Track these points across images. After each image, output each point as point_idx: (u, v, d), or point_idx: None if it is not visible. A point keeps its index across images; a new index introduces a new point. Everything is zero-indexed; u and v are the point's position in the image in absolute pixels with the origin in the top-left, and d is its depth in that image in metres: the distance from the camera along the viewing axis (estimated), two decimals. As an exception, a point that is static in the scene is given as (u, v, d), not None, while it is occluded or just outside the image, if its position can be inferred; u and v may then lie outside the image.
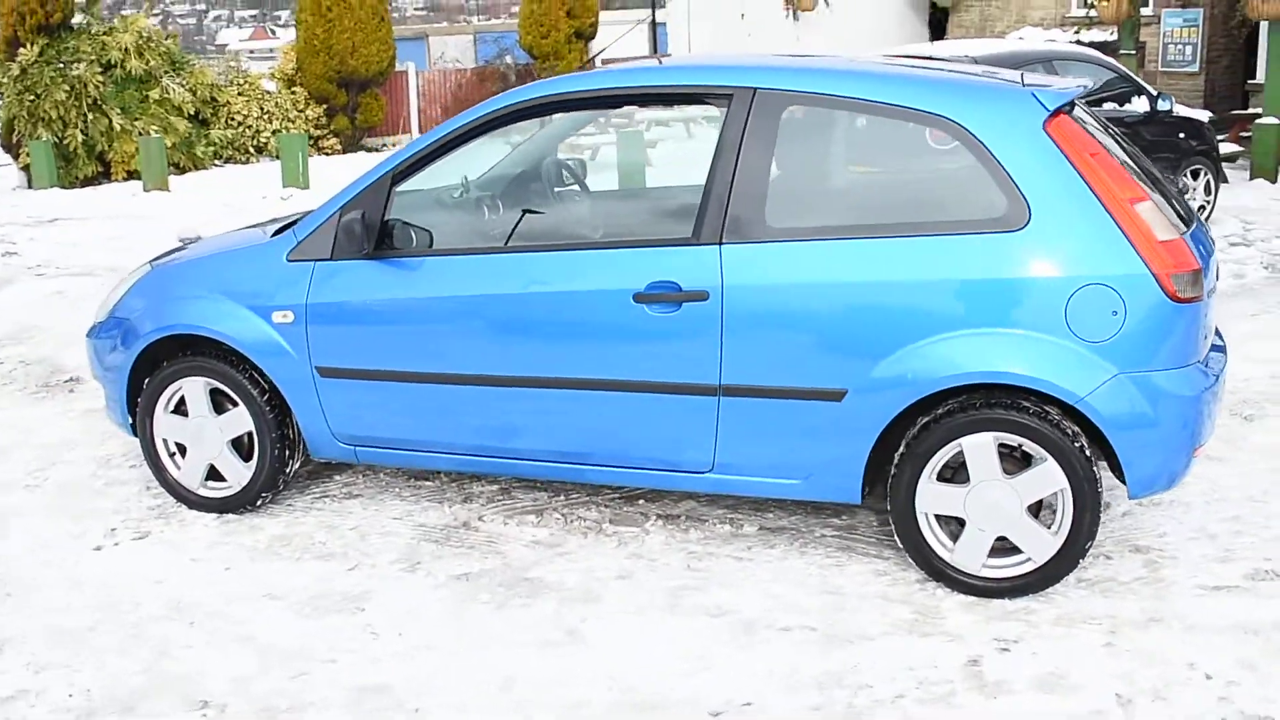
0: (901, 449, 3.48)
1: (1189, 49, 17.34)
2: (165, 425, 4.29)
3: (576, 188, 4.39)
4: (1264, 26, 13.34)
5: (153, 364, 4.28)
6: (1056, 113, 3.39)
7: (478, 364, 3.81)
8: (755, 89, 3.59)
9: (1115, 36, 14.65)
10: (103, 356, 4.40)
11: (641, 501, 4.26)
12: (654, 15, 22.95)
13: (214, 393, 4.20)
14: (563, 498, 4.32)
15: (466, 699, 3.10)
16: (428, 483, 4.53)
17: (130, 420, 4.37)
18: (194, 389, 4.20)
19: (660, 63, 4.16)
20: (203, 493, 4.31)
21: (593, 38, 19.70)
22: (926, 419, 3.44)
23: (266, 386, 4.13)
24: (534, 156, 4.43)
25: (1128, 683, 3.05)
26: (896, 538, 3.56)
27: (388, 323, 3.90)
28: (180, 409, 4.27)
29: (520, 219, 3.90)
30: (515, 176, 4.35)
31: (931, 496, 3.48)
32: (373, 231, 3.82)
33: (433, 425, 3.96)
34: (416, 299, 3.85)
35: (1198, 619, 3.35)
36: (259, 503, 4.27)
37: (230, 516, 4.27)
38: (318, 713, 3.06)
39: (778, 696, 3.05)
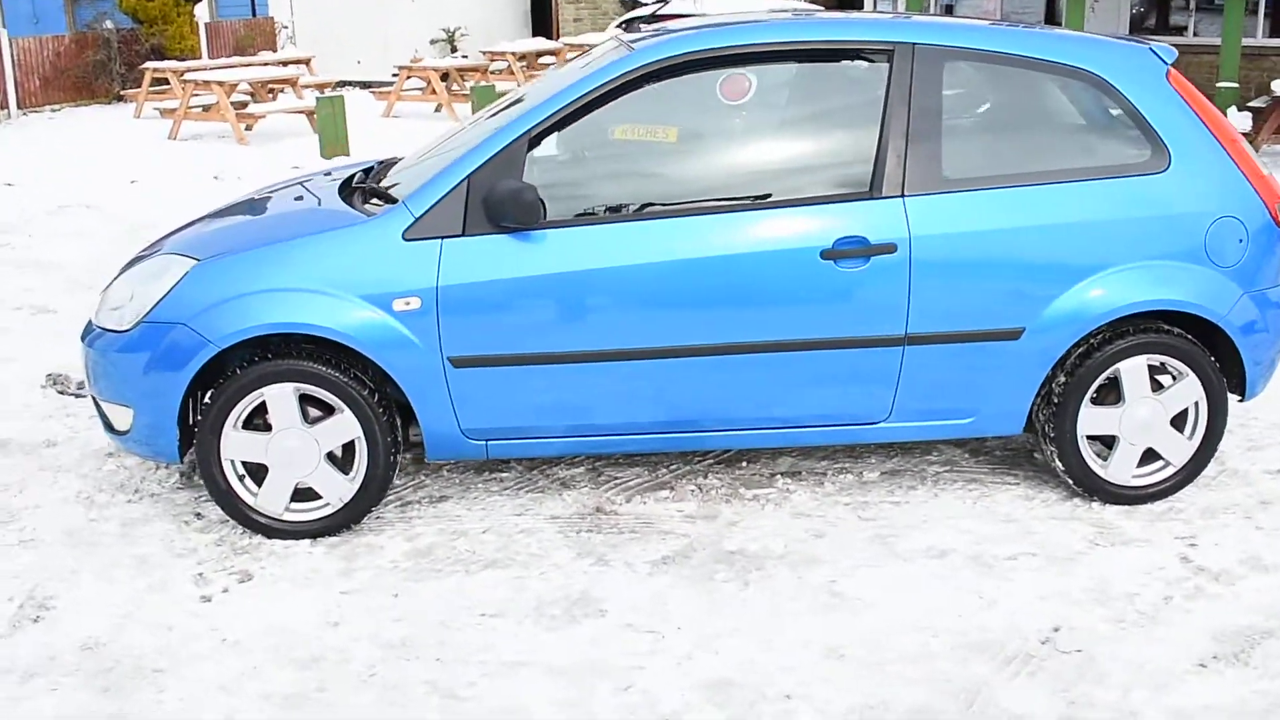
0: (1063, 379, 3.78)
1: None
2: (236, 444, 3.65)
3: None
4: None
5: (204, 374, 3.63)
6: (1171, 65, 3.81)
7: (647, 337, 3.63)
8: (916, 44, 3.70)
9: None
10: (131, 372, 3.65)
11: (734, 464, 4.24)
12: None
13: (302, 400, 3.64)
14: (664, 470, 4.20)
15: (818, 676, 3.02)
16: (503, 474, 4.21)
17: (178, 444, 3.68)
18: (280, 397, 3.61)
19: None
20: (291, 517, 3.73)
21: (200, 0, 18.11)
22: (1084, 349, 3.76)
23: (373, 386, 3.65)
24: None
25: (1307, 553, 3.59)
26: (1057, 461, 3.87)
27: (539, 302, 3.60)
28: (250, 423, 3.65)
29: (671, 180, 3.73)
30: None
31: (1090, 418, 3.82)
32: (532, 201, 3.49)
33: (591, 408, 3.71)
34: (574, 272, 3.58)
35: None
36: (362, 521, 3.77)
37: (331, 541, 3.73)
38: (697, 714, 2.85)
39: (1081, 617, 3.26)
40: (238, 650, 3.15)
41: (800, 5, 10.06)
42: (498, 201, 3.48)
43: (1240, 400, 3.94)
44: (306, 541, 3.73)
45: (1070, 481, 3.89)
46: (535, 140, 3.63)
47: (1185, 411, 3.85)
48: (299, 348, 3.63)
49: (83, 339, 3.90)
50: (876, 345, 3.68)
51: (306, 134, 12.98)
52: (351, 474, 3.71)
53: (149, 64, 14.70)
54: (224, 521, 3.86)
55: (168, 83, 14.20)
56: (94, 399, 3.91)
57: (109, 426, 3.88)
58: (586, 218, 3.62)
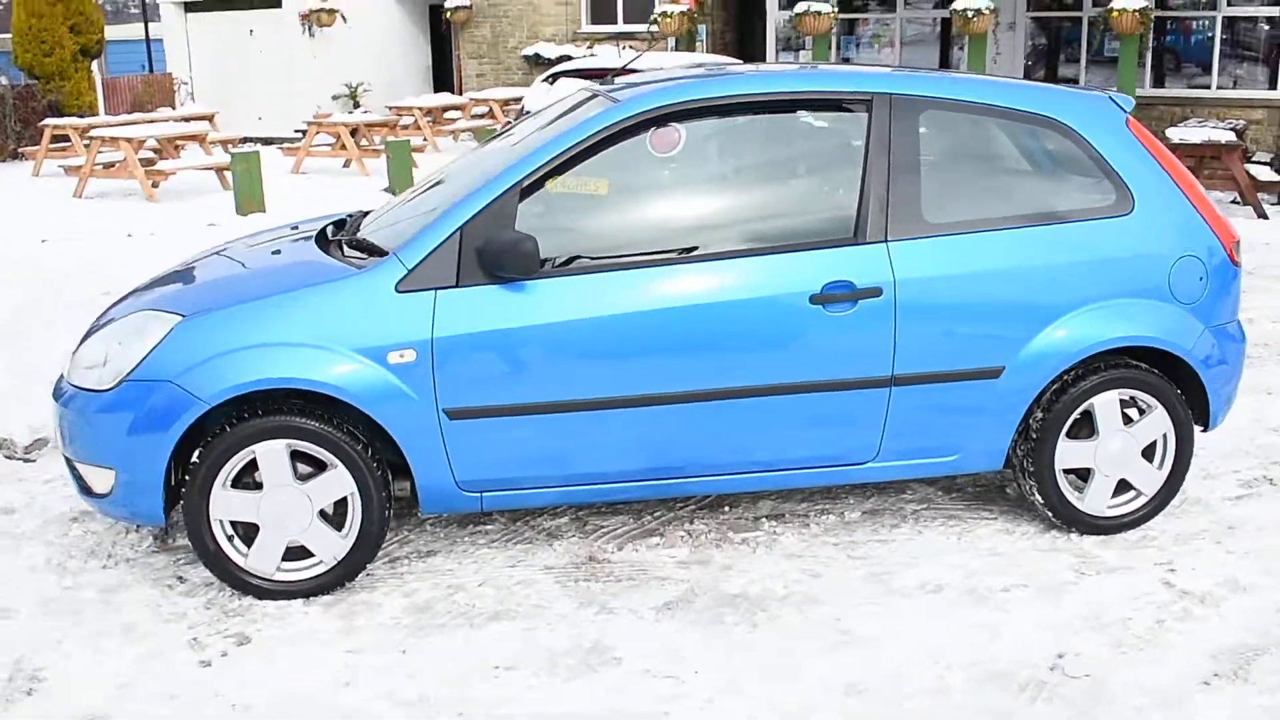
0: (1040, 415, 3.91)
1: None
2: (226, 504, 3.56)
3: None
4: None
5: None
6: (1129, 114, 4.02)
7: (642, 384, 3.65)
8: (893, 95, 3.83)
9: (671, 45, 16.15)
10: (113, 432, 3.53)
11: (717, 509, 4.28)
12: (146, 32, 21.06)
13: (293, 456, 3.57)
14: (649, 518, 4.21)
15: (845, 713, 3.05)
16: (488, 526, 4.17)
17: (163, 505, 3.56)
18: (272, 454, 3.53)
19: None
20: (284, 577, 3.63)
21: (99, 55, 17.72)
22: (1059, 385, 3.90)
23: (365, 440, 3.60)
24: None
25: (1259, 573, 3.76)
26: (1036, 494, 3.99)
27: (536, 351, 3.60)
28: (238, 482, 3.56)
29: (661, 228, 3.78)
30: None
31: (1066, 452, 3.96)
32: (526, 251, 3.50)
33: (587, 456, 3.71)
34: (570, 321, 3.59)
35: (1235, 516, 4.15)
36: (355, 578, 3.69)
37: (325, 600, 3.65)
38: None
39: (1081, 643, 3.36)
40: (251, 715, 3.05)
41: (716, 60, 10.30)
42: (496, 252, 3.49)
43: (1203, 430, 4.13)
44: (299, 601, 3.63)
45: (1050, 514, 4.01)
46: (526, 191, 3.65)
47: (1154, 443, 4.01)
48: (286, 404, 3.56)
49: (55, 399, 3.76)
50: (864, 387, 3.77)
51: (215, 191, 12.75)
52: (344, 531, 3.64)
53: (48, 120, 14.29)
54: (209, 584, 3.75)
55: (68, 140, 13.82)
56: (67, 460, 3.77)
57: (85, 489, 3.74)
58: (579, 267, 3.65)
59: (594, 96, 4.41)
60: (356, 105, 19.22)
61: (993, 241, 3.82)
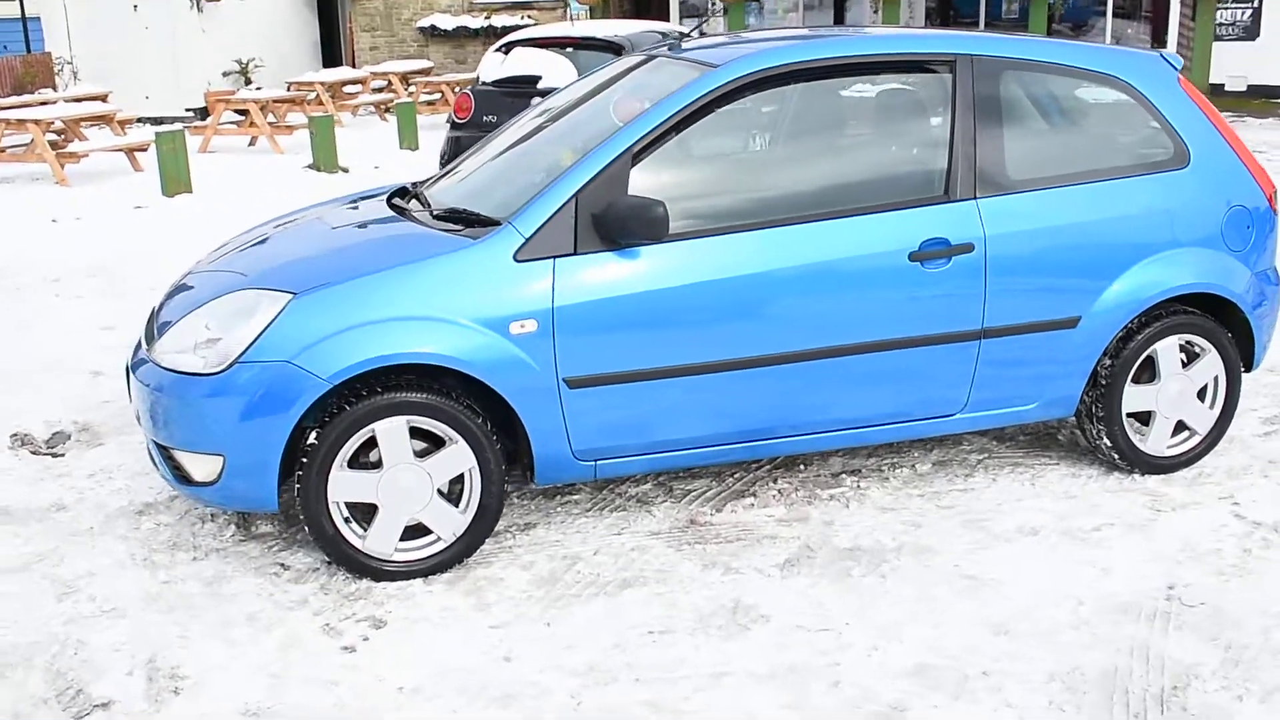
0: (1109, 361, 4.10)
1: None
2: (344, 485, 3.48)
3: (760, 149, 4.25)
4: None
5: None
6: (1178, 71, 4.22)
7: (753, 345, 3.70)
8: (975, 55, 3.94)
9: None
10: (224, 417, 3.42)
11: (793, 467, 4.37)
12: (23, 8, 19.87)
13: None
14: (731, 480, 4.27)
15: (1001, 651, 3.18)
16: (575, 496, 4.17)
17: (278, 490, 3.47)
18: (392, 432, 3.47)
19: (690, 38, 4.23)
20: (401, 557, 3.57)
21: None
22: (1125, 333, 4.09)
23: (483, 414, 3.56)
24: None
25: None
26: (1104, 438, 4.19)
27: (651, 316, 3.61)
28: (355, 462, 3.49)
29: (763, 190, 3.81)
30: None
31: (1132, 396, 4.16)
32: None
33: (697, 420, 3.74)
34: (685, 286, 3.62)
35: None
36: (472, 554, 3.66)
37: (445, 578, 3.60)
38: (920, 699, 2.95)
39: (1185, 574, 3.56)
40: (423, 696, 3.01)
41: (659, 26, 10.30)
42: (624, 218, 3.48)
43: (1246, 371, 4.38)
44: (418, 581, 3.58)
45: (1116, 456, 4.21)
46: (636, 157, 3.64)
47: (1207, 385, 4.24)
48: (399, 379, 3.49)
49: (145, 385, 3.61)
50: (957, 340, 3.89)
51: (127, 172, 12.19)
52: (462, 506, 3.60)
53: (-71, 103, 13.41)
54: (315, 569, 3.66)
55: (-47, 123, 12.99)
56: (159, 448, 3.63)
57: (181, 478, 3.61)
58: (692, 230, 3.66)
59: (649, 59, 4.43)
60: (248, 82, 18.56)
61: (1069, 196, 3.97)
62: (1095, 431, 4.20)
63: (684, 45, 4.37)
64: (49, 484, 4.38)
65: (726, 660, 3.15)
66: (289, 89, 16.20)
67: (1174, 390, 4.19)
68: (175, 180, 10.51)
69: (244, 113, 14.79)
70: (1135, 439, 4.21)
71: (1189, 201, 4.10)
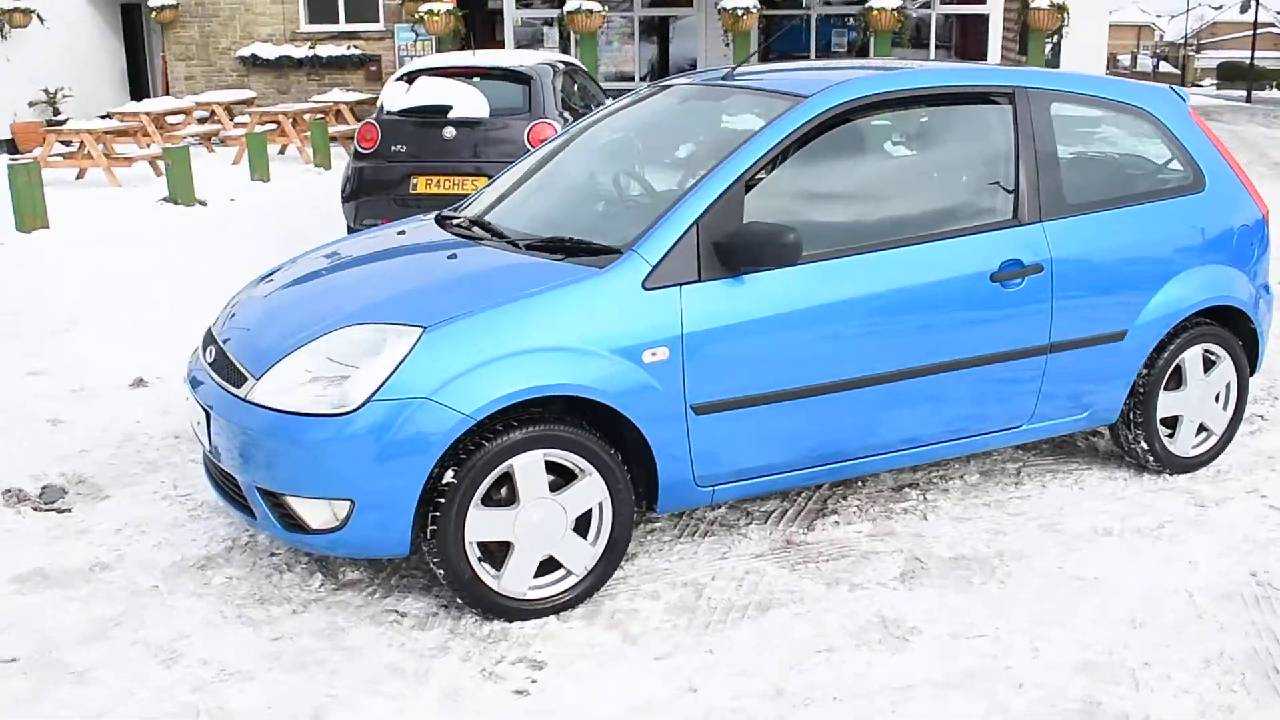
0: (1145, 371, 4.39)
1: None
2: (480, 524, 3.34)
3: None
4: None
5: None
6: (1187, 103, 4.59)
7: (861, 366, 3.78)
8: (1030, 88, 4.16)
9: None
10: (356, 459, 3.22)
11: (852, 485, 4.46)
12: None
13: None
14: (800, 500, 4.32)
15: (1147, 642, 3.35)
16: (657, 524, 4.12)
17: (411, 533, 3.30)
18: (529, 466, 3.35)
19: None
20: (535, 595, 3.45)
21: None
22: (1159, 344, 4.39)
23: (613, 445, 3.49)
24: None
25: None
26: (1141, 443, 4.47)
27: (772, 341, 3.63)
28: (487, 500, 3.36)
29: (859, 216, 3.89)
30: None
31: (1164, 403, 4.46)
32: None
33: (809, 441, 3.78)
34: (799, 310, 3.66)
35: None
36: (602, 587, 3.56)
37: (576, 615, 3.49)
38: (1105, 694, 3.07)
39: (1259, 561, 3.86)
40: (631, 733, 2.92)
41: (554, 56, 10.26)
42: (755, 244, 3.49)
43: (1250, 375, 4.76)
44: (552, 619, 3.46)
45: (1151, 459, 4.50)
46: (749, 185, 3.67)
47: (1222, 389, 4.60)
48: (528, 412, 3.38)
49: (240, 426, 3.36)
50: (1029, 356, 4.08)
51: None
52: (591, 539, 3.51)
53: None
54: (434, 614, 3.49)
55: None
56: (263, 495, 3.37)
57: (291, 527, 3.37)
58: (805, 256, 3.69)
59: (666, 88, 4.53)
60: (57, 113, 17.37)
61: (1116, 219, 4.25)
62: (1133, 436, 4.48)
63: (735, 75, 4.41)
64: (72, 543, 3.99)
65: (905, 672, 3.19)
66: (109, 119, 15.25)
67: (1197, 396, 4.53)
68: (31, 215, 9.73)
69: (66, 143, 13.89)
70: (1167, 442, 4.51)
71: (1207, 223, 4.45)
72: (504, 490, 3.38)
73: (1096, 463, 4.70)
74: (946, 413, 4.01)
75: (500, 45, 18.10)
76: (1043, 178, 4.11)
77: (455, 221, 4.25)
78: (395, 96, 8.81)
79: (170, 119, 17.01)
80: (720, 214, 3.57)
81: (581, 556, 3.48)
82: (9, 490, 4.36)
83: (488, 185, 4.69)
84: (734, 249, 3.52)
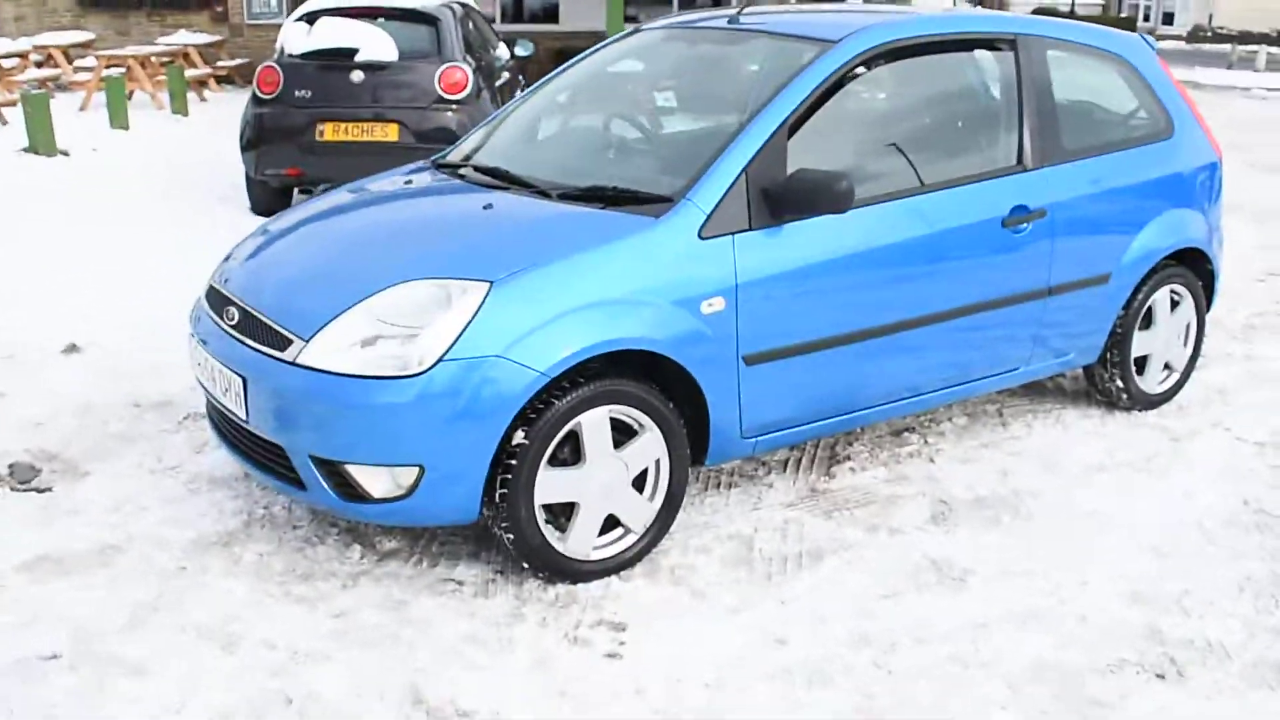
0: (1122, 312, 4.61)
1: (274, 1, 18.14)
2: (548, 486, 3.27)
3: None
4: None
5: None
6: (1155, 51, 4.79)
7: (896, 311, 3.85)
8: (1029, 35, 4.27)
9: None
10: (428, 422, 3.10)
11: (854, 433, 4.56)
12: None
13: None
14: (810, 448, 4.38)
15: (1179, 570, 3.57)
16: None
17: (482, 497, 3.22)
18: (596, 424, 3.30)
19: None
20: (598, 555, 3.41)
21: None
22: (1135, 286, 4.61)
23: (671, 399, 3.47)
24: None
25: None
26: (1118, 381, 4.70)
27: (816, 288, 3.65)
28: (552, 461, 3.30)
29: (888, 162, 3.92)
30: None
31: (1138, 343, 4.70)
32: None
33: (843, 388, 3.84)
34: (838, 258, 3.69)
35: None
36: (658, 544, 3.55)
37: (637, 573, 3.47)
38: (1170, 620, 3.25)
39: (1248, 488, 4.14)
40: (736, 689, 2.93)
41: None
42: (808, 191, 3.48)
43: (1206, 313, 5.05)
44: (613, 579, 3.44)
45: (1125, 397, 4.75)
46: (791, 131, 3.66)
47: (1184, 327, 4.87)
48: (591, 367, 3.32)
49: (289, 391, 3.19)
50: (1032, 299, 4.23)
51: None
52: (649, 495, 3.48)
53: None
54: (492, 581, 3.42)
55: None
56: (318, 464, 3.22)
57: (350, 497, 3.23)
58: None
59: (637, 30, 4.62)
60: None
61: (1103, 164, 4.42)
62: (1109, 375, 4.71)
63: (741, 18, 4.36)
64: (67, 524, 3.73)
65: (972, 612, 3.30)
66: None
67: (1164, 336, 4.78)
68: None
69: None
70: (1139, 380, 4.76)
71: (1177, 167, 4.68)
72: (565, 450, 3.32)
73: (1068, 401, 4.93)
74: (962, 357, 4.13)
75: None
76: (1043, 124, 4.24)
77: (462, 170, 4.11)
78: (296, 38, 8.40)
79: (4, 63, 15.76)
80: (766, 161, 3.56)
81: (641, 514, 3.46)
82: (12, 464, 4.04)
83: (476, 130, 4.54)
84: (787, 196, 3.51)
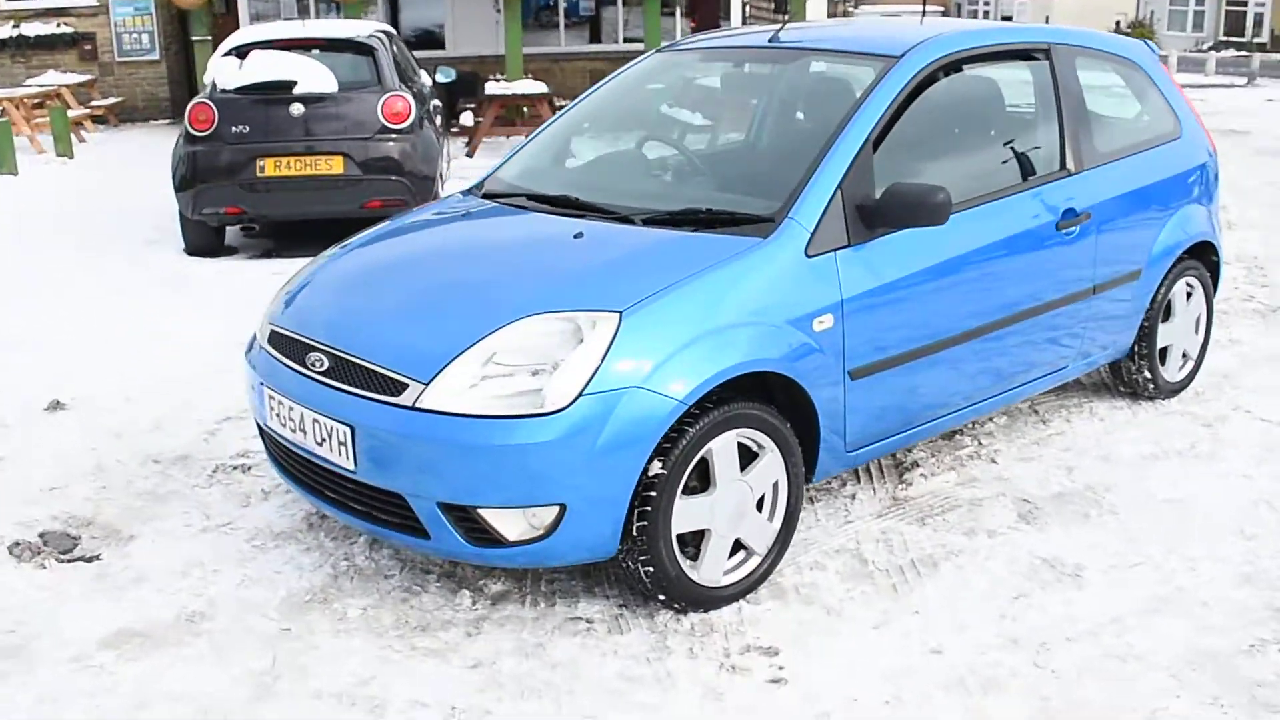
0: (1150, 307, 4.75)
1: (145, 37, 17.45)
2: (682, 515, 3.19)
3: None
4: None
5: None
6: (1158, 55, 4.97)
7: (980, 316, 3.90)
8: (1061, 44, 4.38)
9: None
10: (570, 459, 2.99)
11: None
12: None
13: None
14: (879, 461, 4.38)
15: (1267, 552, 3.66)
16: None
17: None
18: (725, 449, 3.23)
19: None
20: (729, 580, 3.34)
21: None
22: (1161, 280, 4.76)
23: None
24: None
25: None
26: (1146, 373, 4.84)
27: (909, 299, 3.66)
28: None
29: (957, 172, 3.94)
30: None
31: (1162, 335, 4.86)
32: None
33: (933, 395, 3.86)
34: (930, 267, 3.71)
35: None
36: (779, 565, 3.49)
37: (762, 595, 3.41)
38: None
39: (1302, 466, 4.30)
40: (916, 703, 2.89)
41: (383, 26, 9.63)
42: (907, 206, 3.48)
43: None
44: (742, 603, 3.36)
45: (1152, 386, 4.89)
46: (877, 142, 3.66)
47: (1198, 317, 5.06)
48: (717, 393, 3.25)
49: (411, 438, 3.03)
50: (1081, 298, 4.33)
51: None
52: (768, 516, 3.43)
53: None
54: (618, 616, 3.31)
55: None
56: (446, 511, 3.06)
57: (483, 541, 3.09)
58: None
59: (661, 50, 4.66)
60: None
61: (1133, 165, 4.57)
62: (1136, 367, 4.84)
63: (781, 37, 4.34)
64: (136, 592, 3.48)
65: (1101, 606, 3.33)
66: None
67: (1182, 325, 4.95)
68: None
69: None
70: (1163, 371, 4.91)
71: (1185, 165, 4.86)
72: (692, 477, 3.24)
73: (1092, 395, 5.05)
74: (1028, 357, 4.20)
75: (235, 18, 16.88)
76: (1079, 129, 4.35)
77: (515, 199, 3.99)
78: (227, 73, 8.07)
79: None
80: (857, 177, 3.56)
81: (763, 535, 3.40)
82: (15, 545, 3.73)
83: (511, 157, 4.41)
84: (886, 211, 3.51)
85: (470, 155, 13.03)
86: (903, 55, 3.89)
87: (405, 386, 3.11)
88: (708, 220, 3.54)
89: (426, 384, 3.07)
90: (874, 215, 3.53)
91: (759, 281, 3.32)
